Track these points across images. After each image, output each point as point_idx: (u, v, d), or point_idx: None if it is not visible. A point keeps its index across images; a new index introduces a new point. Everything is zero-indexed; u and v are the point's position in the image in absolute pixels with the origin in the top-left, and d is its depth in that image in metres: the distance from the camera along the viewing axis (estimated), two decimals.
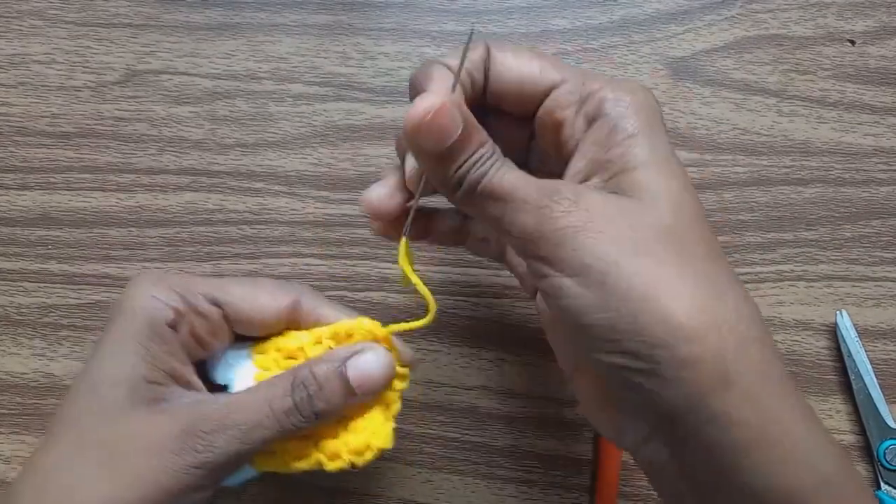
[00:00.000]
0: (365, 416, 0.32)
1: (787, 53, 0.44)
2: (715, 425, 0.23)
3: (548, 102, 0.29)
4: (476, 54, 0.29)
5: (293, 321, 0.33)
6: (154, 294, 0.31)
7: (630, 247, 0.24)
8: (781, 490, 0.23)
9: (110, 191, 0.43)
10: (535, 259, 0.26)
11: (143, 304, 0.31)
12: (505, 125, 0.31)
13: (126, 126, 0.43)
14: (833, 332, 0.42)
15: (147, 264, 0.42)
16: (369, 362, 0.31)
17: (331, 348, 0.32)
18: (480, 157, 0.26)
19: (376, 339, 0.32)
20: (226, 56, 0.44)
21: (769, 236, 0.43)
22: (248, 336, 0.33)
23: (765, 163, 0.43)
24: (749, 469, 0.23)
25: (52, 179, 0.43)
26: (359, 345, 0.31)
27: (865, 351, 0.41)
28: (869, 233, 0.43)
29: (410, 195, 0.30)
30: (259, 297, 0.32)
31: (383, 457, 0.40)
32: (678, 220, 0.25)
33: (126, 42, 0.44)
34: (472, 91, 0.29)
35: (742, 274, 0.42)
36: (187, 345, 0.31)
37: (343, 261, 0.42)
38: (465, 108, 0.26)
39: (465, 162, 0.26)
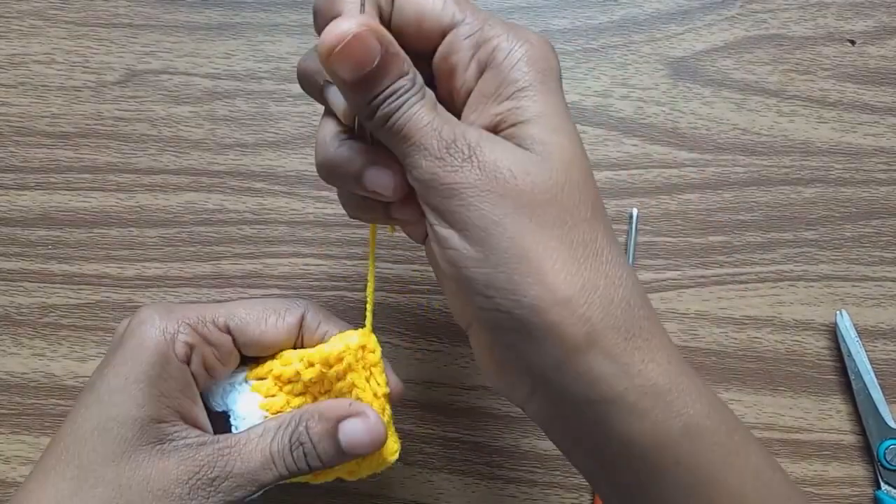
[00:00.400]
0: None
1: (787, 53, 0.44)
2: (580, 382, 0.25)
3: (443, 44, 0.27)
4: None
5: (297, 337, 0.33)
6: (166, 329, 0.30)
7: (515, 206, 0.25)
8: (647, 435, 0.25)
9: (110, 191, 0.43)
10: (428, 206, 0.26)
11: (154, 339, 0.30)
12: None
13: (126, 126, 0.43)
14: (833, 332, 0.42)
15: (147, 264, 0.42)
16: (358, 431, 0.31)
17: (323, 373, 0.32)
18: (398, 90, 0.25)
19: (368, 367, 0.33)
20: (226, 56, 0.44)
21: (769, 236, 0.43)
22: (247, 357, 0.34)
23: (765, 163, 0.43)
24: (616, 420, 0.25)
25: (52, 179, 0.43)
26: (353, 406, 0.32)
27: (865, 351, 0.41)
28: (869, 233, 0.43)
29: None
30: (268, 319, 0.32)
31: None
32: (567, 179, 0.25)
33: (126, 42, 0.44)
34: (380, 19, 0.27)
35: (742, 274, 0.42)
36: (198, 375, 0.31)
37: (343, 261, 0.42)
38: (385, 32, 0.25)
39: (381, 93, 0.25)
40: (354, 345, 0.32)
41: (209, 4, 0.44)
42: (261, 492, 0.30)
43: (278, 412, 0.32)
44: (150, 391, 0.29)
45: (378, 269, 0.42)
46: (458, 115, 0.28)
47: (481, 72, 0.27)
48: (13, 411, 0.41)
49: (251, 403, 0.32)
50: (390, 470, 0.40)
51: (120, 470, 0.28)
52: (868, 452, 0.41)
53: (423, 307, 0.42)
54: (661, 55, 0.44)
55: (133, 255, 0.42)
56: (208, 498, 0.29)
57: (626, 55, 0.44)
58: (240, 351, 0.33)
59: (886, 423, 0.40)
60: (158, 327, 0.30)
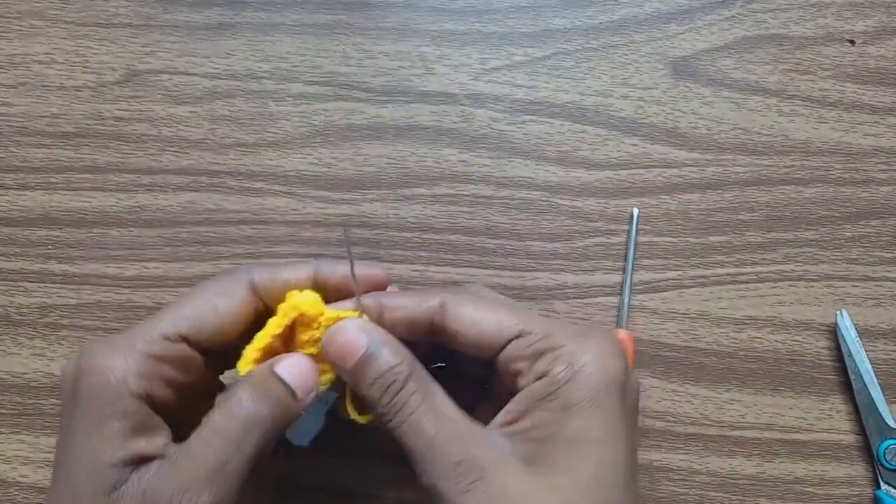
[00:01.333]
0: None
1: (788, 53, 0.44)
2: None
3: (506, 353, 0.29)
4: (430, 304, 0.29)
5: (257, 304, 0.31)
6: (113, 365, 0.27)
7: None
8: None
9: (110, 191, 0.43)
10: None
11: (102, 381, 0.27)
12: (466, 358, 0.31)
13: (126, 126, 0.43)
14: (833, 332, 0.42)
15: (147, 264, 0.42)
16: (295, 364, 0.29)
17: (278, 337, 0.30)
18: (391, 385, 0.27)
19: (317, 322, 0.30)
20: (226, 56, 0.44)
21: (769, 236, 0.43)
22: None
23: (765, 162, 0.43)
24: None
25: (52, 179, 0.43)
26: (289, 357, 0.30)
27: (865, 351, 0.41)
28: (869, 233, 0.43)
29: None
30: (218, 305, 0.30)
31: (383, 457, 0.40)
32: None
33: (126, 42, 0.44)
34: (428, 330, 0.30)
35: (742, 274, 0.42)
36: (161, 399, 0.28)
37: (343, 261, 0.42)
38: (375, 330, 0.28)
39: (376, 379, 0.27)
40: (289, 310, 0.30)
41: (209, 4, 0.44)
42: (247, 472, 0.27)
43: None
44: (104, 441, 0.27)
45: None
46: (502, 401, 0.29)
47: (538, 378, 0.28)
48: (13, 411, 0.41)
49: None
50: (390, 470, 0.40)
51: None
52: (868, 452, 0.41)
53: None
54: (662, 55, 0.44)
55: (133, 255, 0.42)
56: None
57: (626, 55, 0.44)
58: (206, 351, 0.30)
59: (886, 423, 0.40)
60: (103, 369, 0.27)
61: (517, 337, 0.28)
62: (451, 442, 0.26)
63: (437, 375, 0.30)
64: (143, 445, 0.27)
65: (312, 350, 0.30)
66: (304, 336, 0.30)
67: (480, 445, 0.26)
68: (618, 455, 0.27)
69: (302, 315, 0.30)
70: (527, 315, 0.29)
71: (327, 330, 0.29)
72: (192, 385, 0.30)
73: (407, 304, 0.30)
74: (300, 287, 0.31)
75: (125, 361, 0.27)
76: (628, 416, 0.28)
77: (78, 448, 0.27)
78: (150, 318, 0.30)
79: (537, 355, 0.28)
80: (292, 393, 0.28)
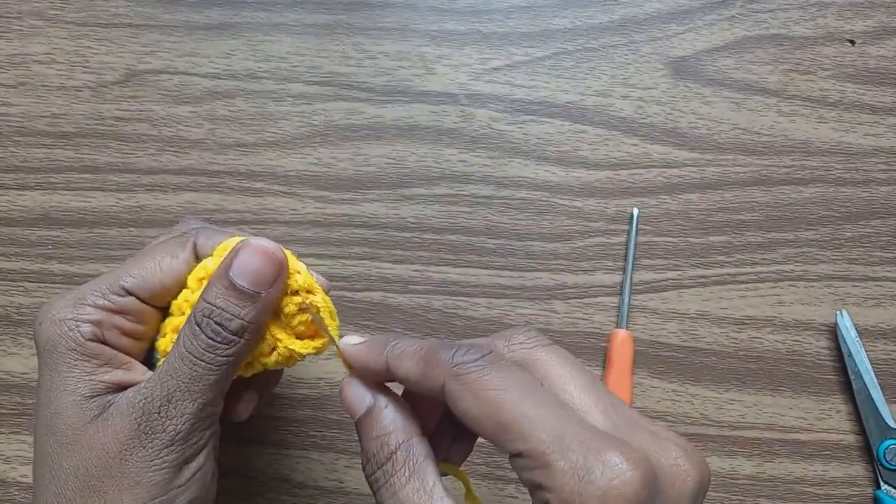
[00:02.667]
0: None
1: (787, 53, 0.44)
2: None
3: (510, 460, 0.24)
4: (429, 384, 0.26)
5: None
6: (64, 318, 0.29)
7: None
8: None
9: (110, 191, 0.43)
10: None
11: (58, 331, 0.29)
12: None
13: (126, 126, 0.43)
14: (833, 332, 0.42)
15: None
16: (247, 258, 0.29)
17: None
18: (377, 454, 0.26)
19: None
20: (226, 56, 0.44)
21: (769, 236, 0.43)
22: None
23: (765, 162, 0.43)
24: None
25: (52, 179, 0.43)
26: (237, 244, 0.30)
27: (865, 351, 0.41)
28: (869, 233, 0.43)
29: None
30: (162, 264, 0.31)
31: None
32: None
33: (126, 42, 0.44)
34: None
35: (742, 274, 0.42)
36: (123, 345, 0.30)
37: (343, 261, 0.42)
38: (380, 396, 0.27)
39: (363, 445, 0.27)
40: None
41: (209, 4, 0.44)
42: (221, 395, 0.29)
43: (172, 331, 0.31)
44: (73, 377, 0.29)
45: (378, 269, 0.42)
46: None
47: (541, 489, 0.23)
48: (13, 411, 0.41)
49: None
50: None
51: (79, 454, 0.28)
52: (868, 452, 0.41)
53: (424, 307, 0.42)
54: (662, 55, 0.44)
55: (133, 254, 0.42)
56: (166, 428, 0.28)
57: (626, 55, 0.44)
58: (154, 305, 0.31)
59: (886, 423, 0.40)
60: (57, 318, 0.30)
61: (517, 455, 0.23)
62: None
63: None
64: (119, 375, 0.30)
65: (301, 322, 0.30)
66: (288, 307, 0.30)
67: None
68: None
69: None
70: (540, 419, 0.23)
71: (342, 382, 0.29)
72: (148, 335, 0.32)
73: (411, 374, 0.27)
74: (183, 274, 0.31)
75: (75, 312, 0.30)
76: None
77: (53, 393, 0.29)
78: (102, 275, 0.31)
79: (533, 485, 0.23)
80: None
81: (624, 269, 0.42)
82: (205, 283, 0.30)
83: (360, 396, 0.28)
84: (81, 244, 0.42)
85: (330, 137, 0.43)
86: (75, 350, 0.29)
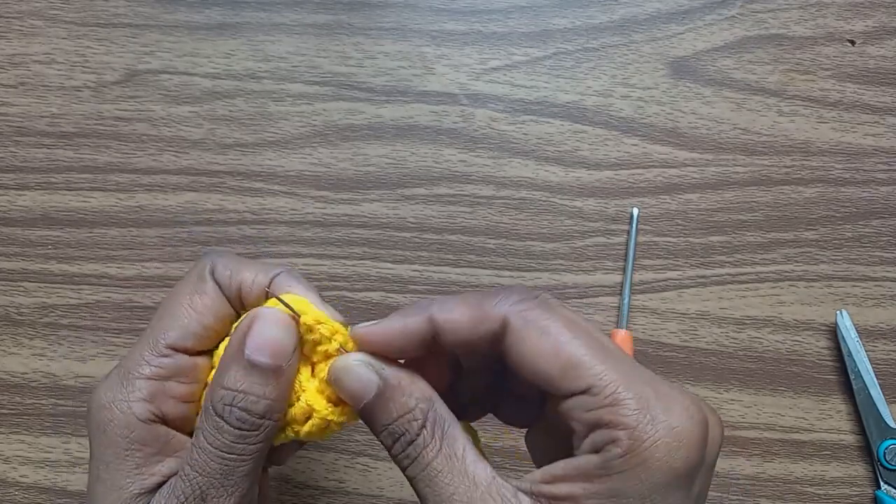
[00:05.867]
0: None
1: (788, 53, 0.44)
2: None
3: (564, 405, 0.24)
4: (489, 326, 0.25)
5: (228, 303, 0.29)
6: (114, 398, 0.27)
7: None
8: None
9: (110, 191, 0.43)
10: None
11: (108, 416, 0.27)
12: (517, 390, 0.28)
13: (126, 126, 0.43)
14: (833, 332, 0.41)
15: (147, 264, 0.42)
16: (262, 330, 0.26)
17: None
18: (402, 433, 0.25)
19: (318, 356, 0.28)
20: (226, 56, 0.44)
21: (769, 236, 0.43)
22: None
23: (765, 162, 0.43)
24: None
25: (52, 179, 0.43)
26: (245, 319, 0.27)
27: (865, 351, 0.41)
28: (869, 233, 0.43)
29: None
30: (192, 303, 0.28)
31: (383, 457, 0.40)
32: None
33: (126, 42, 0.44)
34: (483, 352, 0.26)
35: (742, 274, 0.42)
36: (182, 415, 0.28)
37: (343, 261, 0.42)
38: (386, 367, 0.25)
39: (384, 428, 0.25)
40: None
41: (209, 4, 0.44)
42: (257, 480, 0.27)
43: None
44: (123, 475, 0.26)
45: (378, 270, 0.42)
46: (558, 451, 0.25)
47: (597, 450, 0.23)
48: (13, 411, 0.41)
49: None
50: (390, 470, 0.40)
51: None
52: (868, 452, 0.41)
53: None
54: (662, 55, 0.44)
55: (133, 255, 0.42)
56: None
57: (626, 55, 0.44)
58: (203, 352, 0.29)
59: (886, 423, 0.40)
60: (106, 404, 0.27)
61: (582, 392, 0.23)
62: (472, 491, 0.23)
63: (491, 386, 0.28)
64: (172, 466, 0.27)
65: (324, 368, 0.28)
66: (316, 356, 0.28)
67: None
68: None
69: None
70: (602, 358, 0.23)
71: (331, 368, 0.26)
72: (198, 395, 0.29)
73: (461, 323, 0.25)
74: (256, 291, 0.28)
75: (126, 392, 0.27)
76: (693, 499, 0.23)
77: (102, 486, 0.27)
78: (138, 342, 0.28)
79: (597, 425, 0.23)
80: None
81: (624, 269, 0.42)
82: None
83: (365, 379, 0.25)
84: (81, 244, 0.42)
85: (330, 137, 0.43)
86: (128, 438, 0.26)
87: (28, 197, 0.43)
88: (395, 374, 0.25)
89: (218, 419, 0.25)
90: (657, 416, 0.22)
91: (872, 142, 0.43)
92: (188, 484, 0.25)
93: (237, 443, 0.25)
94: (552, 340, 0.24)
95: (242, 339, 0.26)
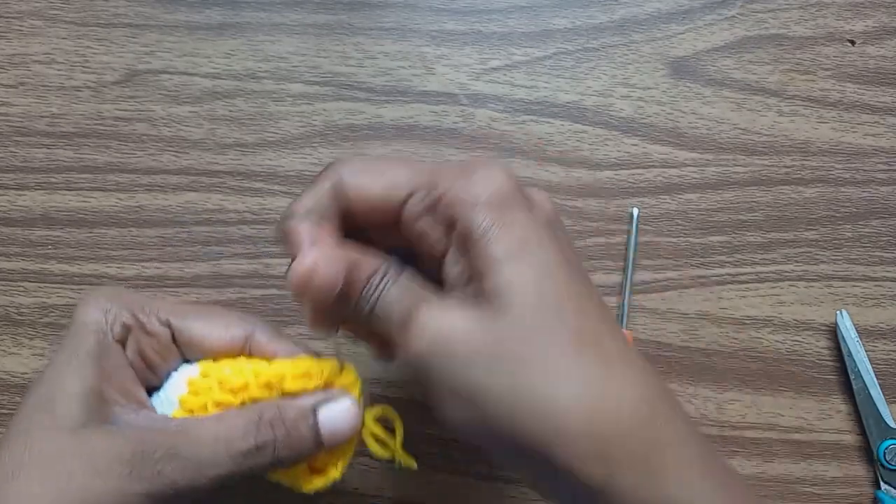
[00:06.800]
0: None
1: (788, 53, 0.44)
2: None
3: (404, 217, 0.28)
4: (325, 186, 0.28)
5: (245, 354, 0.32)
6: (107, 309, 0.30)
7: (488, 364, 0.24)
8: None
9: (110, 191, 0.43)
10: (421, 385, 0.26)
11: (93, 318, 0.30)
12: (388, 234, 0.30)
13: (126, 126, 0.43)
14: (833, 332, 0.42)
15: (146, 264, 0.42)
16: (342, 413, 0.30)
17: (282, 393, 0.30)
18: (370, 287, 0.27)
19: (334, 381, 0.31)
20: (226, 56, 0.44)
21: (769, 236, 0.43)
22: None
23: (765, 162, 0.43)
24: None
25: (52, 179, 0.43)
26: (331, 391, 0.30)
27: (865, 351, 0.41)
28: (869, 233, 0.43)
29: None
30: (213, 324, 0.31)
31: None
32: (537, 318, 0.25)
33: (126, 42, 0.44)
34: (341, 218, 0.29)
35: (742, 274, 0.42)
36: (135, 364, 0.30)
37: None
38: (338, 250, 0.27)
39: (359, 298, 0.27)
40: (329, 372, 0.30)
41: (209, 4, 0.44)
42: (212, 488, 0.28)
43: (190, 411, 0.30)
44: (93, 368, 0.29)
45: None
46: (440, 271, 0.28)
47: (450, 227, 0.27)
48: (13, 411, 0.41)
49: (173, 390, 0.31)
50: (390, 470, 0.40)
51: (63, 444, 0.27)
52: (868, 452, 0.41)
53: None
54: (662, 55, 0.44)
55: (133, 255, 0.42)
56: (151, 480, 0.27)
57: (626, 55, 0.44)
58: (181, 350, 0.31)
59: (886, 423, 0.40)
60: (100, 308, 0.30)
61: (409, 196, 0.27)
62: (402, 307, 0.27)
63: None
64: (129, 386, 0.30)
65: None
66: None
67: (423, 301, 0.27)
68: (547, 255, 0.26)
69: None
70: (413, 169, 0.28)
71: (292, 271, 0.27)
72: (159, 370, 0.32)
73: (310, 199, 0.28)
74: (229, 351, 0.31)
75: (118, 308, 0.30)
76: (545, 223, 0.27)
77: (63, 373, 0.29)
78: (158, 297, 0.33)
79: (432, 207, 0.27)
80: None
81: (624, 269, 0.42)
82: (271, 389, 0.30)
83: (332, 270, 0.27)
84: (81, 244, 0.42)
85: (330, 137, 0.43)
86: (102, 343, 0.29)
87: (28, 197, 0.43)
88: (351, 256, 0.27)
89: (253, 447, 0.28)
90: (468, 172, 0.27)
91: (872, 142, 0.43)
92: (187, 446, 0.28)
93: (247, 460, 0.28)
94: (371, 172, 0.28)
95: (318, 403, 0.30)
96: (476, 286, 0.26)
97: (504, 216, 0.26)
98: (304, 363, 0.30)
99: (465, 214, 0.26)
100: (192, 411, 0.30)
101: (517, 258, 0.25)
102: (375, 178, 0.28)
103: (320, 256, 0.27)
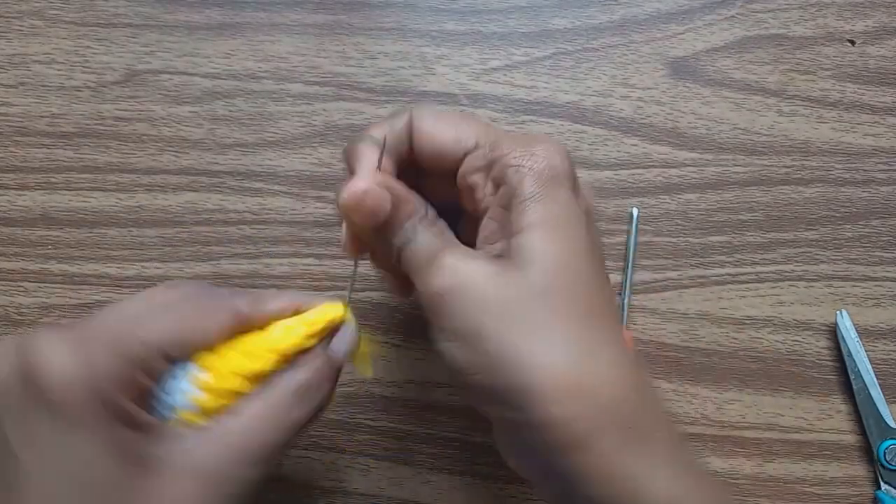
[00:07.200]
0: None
1: (787, 53, 0.44)
2: (572, 481, 0.25)
3: (462, 168, 0.30)
4: (399, 123, 0.30)
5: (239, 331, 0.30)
6: (75, 367, 0.24)
7: (498, 312, 0.26)
8: None
9: (110, 191, 0.43)
10: (429, 322, 0.28)
11: (61, 384, 0.24)
12: (438, 184, 0.32)
13: (126, 126, 0.43)
14: (833, 332, 0.42)
15: (146, 264, 0.42)
16: (342, 336, 0.31)
17: (280, 355, 0.30)
18: (408, 228, 0.29)
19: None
20: (226, 56, 0.44)
21: (769, 236, 0.43)
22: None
23: (765, 162, 0.43)
24: None
25: (52, 179, 0.43)
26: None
27: (865, 351, 0.41)
28: (869, 233, 0.43)
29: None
30: (195, 324, 0.28)
31: (383, 457, 0.40)
32: (552, 283, 0.26)
33: (126, 42, 0.44)
34: (401, 158, 0.31)
35: (742, 274, 0.42)
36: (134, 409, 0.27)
37: (343, 261, 0.42)
38: (392, 183, 0.29)
39: (395, 233, 0.29)
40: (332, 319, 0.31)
41: (209, 4, 0.44)
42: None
43: (207, 408, 0.28)
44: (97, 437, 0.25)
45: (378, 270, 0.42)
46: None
47: (497, 188, 0.29)
48: None
49: (181, 396, 0.28)
50: (390, 470, 0.40)
51: None
52: (868, 452, 0.41)
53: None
54: (662, 55, 0.44)
55: (133, 255, 0.42)
56: (231, 486, 0.27)
57: (626, 55, 0.44)
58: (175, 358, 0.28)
59: (886, 423, 0.40)
60: (67, 374, 0.24)
61: (473, 149, 0.29)
62: (429, 252, 0.28)
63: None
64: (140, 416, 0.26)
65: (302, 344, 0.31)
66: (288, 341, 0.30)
67: (451, 246, 0.29)
68: (578, 234, 0.28)
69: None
70: (483, 127, 0.30)
71: (346, 189, 0.28)
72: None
73: (384, 130, 0.30)
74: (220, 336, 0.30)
75: (93, 361, 0.25)
76: (584, 211, 0.29)
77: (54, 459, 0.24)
78: (116, 311, 0.27)
79: (490, 165, 0.29)
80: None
81: (624, 269, 0.42)
82: (274, 356, 0.30)
83: (381, 199, 0.28)
84: (81, 244, 0.42)
85: (330, 137, 0.43)
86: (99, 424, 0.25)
87: (28, 197, 0.43)
88: (401, 191, 0.29)
89: (292, 401, 0.29)
90: (532, 143, 0.28)
91: (872, 142, 0.43)
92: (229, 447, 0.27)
93: (294, 420, 0.29)
94: (442, 121, 0.30)
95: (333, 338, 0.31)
96: (508, 244, 0.28)
97: (550, 191, 0.28)
98: (310, 323, 0.31)
99: (517, 178, 0.28)
100: (208, 408, 0.28)
101: (550, 229, 0.27)
102: (447, 127, 0.30)
103: (375, 183, 0.28)
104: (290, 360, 0.31)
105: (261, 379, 0.30)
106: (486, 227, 0.29)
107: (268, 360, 0.30)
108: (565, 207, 0.28)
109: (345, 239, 0.31)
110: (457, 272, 0.27)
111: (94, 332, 0.25)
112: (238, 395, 0.29)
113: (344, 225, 0.31)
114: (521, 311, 0.26)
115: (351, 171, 0.30)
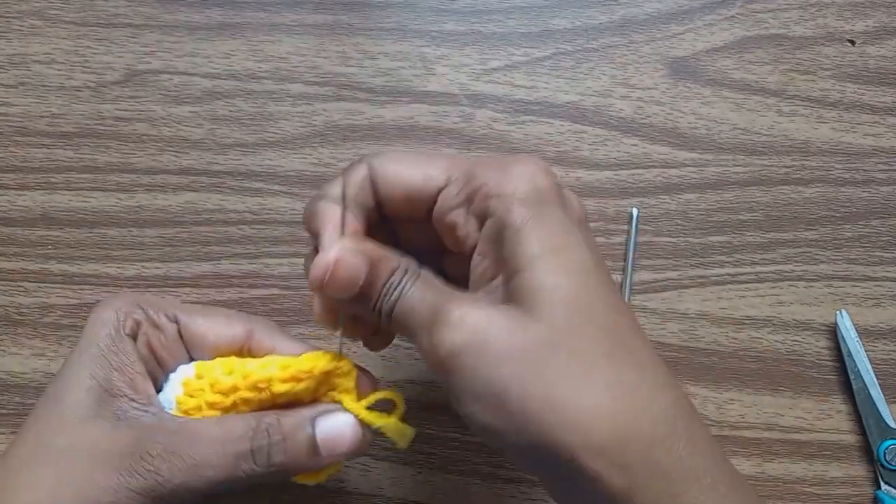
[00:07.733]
0: None
1: (787, 53, 0.44)
2: None
3: (437, 207, 0.28)
4: (359, 174, 0.28)
5: (247, 351, 0.32)
6: (119, 308, 0.30)
7: (521, 365, 0.24)
8: None
9: (110, 191, 0.43)
10: (446, 388, 0.26)
11: (105, 316, 0.30)
12: (413, 230, 0.30)
13: (126, 126, 0.43)
14: (833, 332, 0.42)
15: (146, 264, 0.42)
16: (341, 427, 0.30)
17: (271, 394, 0.30)
18: (391, 286, 0.27)
19: (339, 377, 0.31)
20: (226, 56, 0.44)
21: (769, 236, 0.43)
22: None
23: (765, 162, 0.43)
24: None
25: (52, 179, 0.43)
26: (330, 405, 0.30)
27: (865, 351, 0.41)
28: (869, 233, 0.43)
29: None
30: (215, 321, 0.32)
31: (383, 457, 0.40)
32: (571, 322, 0.25)
33: (126, 42, 0.44)
34: (367, 211, 0.29)
35: (742, 274, 0.42)
36: (145, 358, 0.31)
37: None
38: (363, 243, 0.27)
39: (378, 296, 0.27)
40: (321, 368, 0.30)
41: (209, 4, 0.44)
42: (207, 490, 0.28)
43: (186, 412, 0.30)
44: (103, 361, 0.29)
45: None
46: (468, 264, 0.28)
47: (482, 222, 0.27)
48: (13, 411, 0.41)
49: (171, 390, 0.31)
50: (390, 470, 0.40)
51: (70, 437, 0.28)
52: (868, 452, 0.41)
53: None
54: (662, 55, 0.44)
55: (133, 255, 0.42)
56: (143, 477, 0.27)
57: (626, 55, 0.44)
58: (187, 346, 0.32)
59: (886, 423, 0.40)
60: (112, 307, 0.30)
61: (445, 185, 0.27)
62: (431, 303, 0.26)
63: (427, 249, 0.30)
64: (139, 381, 0.30)
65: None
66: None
67: (454, 297, 0.26)
68: (582, 256, 0.26)
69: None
70: (449, 160, 0.28)
71: (314, 264, 0.27)
72: (166, 364, 0.32)
73: (341, 185, 0.28)
74: (231, 346, 0.32)
75: (129, 306, 0.31)
76: (578, 224, 0.27)
77: (75, 369, 0.29)
78: (167, 299, 0.34)
79: (468, 199, 0.27)
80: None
81: (624, 269, 0.42)
82: (259, 391, 0.30)
83: (355, 267, 0.27)
84: (81, 244, 0.42)
85: (330, 137, 0.43)
86: (113, 337, 0.30)
87: (28, 197, 0.43)
88: (375, 251, 0.27)
89: (249, 452, 0.28)
90: (507, 167, 0.27)
91: (872, 142, 0.43)
92: (182, 443, 0.28)
93: (242, 464, 0.28)
94: (406, 162, 0.28)
95: (314, 416, 0.30)
96: (506, 283, 0.26)
97: (541, 214, 0.26)
98: (295, 363, 0.30)
99: (502, 209, 0.26)
100: (188, 412, 0.30)
101: (552, 260, 0.25)
102: (411, 167, 0.28)
103: (344, 251, 0.26)
104: (279, 403, 0.30)
105: (238, 406, 0.30)
106: (479, 265, 0.27)
107: (243, 385, 0.30)
108: (561, 228, 0.26)
109: (318, 310, 0.28)
110: (470, 327, 0.25)
111: (138, 297, 0.32)
112: (214, 409, 0.30)
113: (316, 296, 0.28)
114: (545, 359, 0.24)
115: (314, 237, 0.28)
